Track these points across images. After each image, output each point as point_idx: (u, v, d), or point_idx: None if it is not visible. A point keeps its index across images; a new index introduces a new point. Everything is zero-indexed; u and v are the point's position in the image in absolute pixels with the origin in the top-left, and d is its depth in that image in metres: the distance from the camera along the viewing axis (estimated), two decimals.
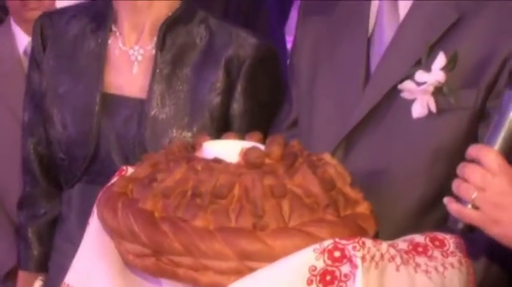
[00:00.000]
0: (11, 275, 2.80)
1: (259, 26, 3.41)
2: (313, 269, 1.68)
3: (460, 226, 1.74)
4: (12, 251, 2.82)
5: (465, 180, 1.68)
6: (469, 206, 1.68)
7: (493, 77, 1.99)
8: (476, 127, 2.01)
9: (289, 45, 3.85)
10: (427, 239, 1.84)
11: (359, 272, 1.68)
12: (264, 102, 2.41)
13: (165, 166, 1.87)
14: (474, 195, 1.67)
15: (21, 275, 2.57)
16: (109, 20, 2.41)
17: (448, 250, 1.83)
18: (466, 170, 1.69)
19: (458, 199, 1.70)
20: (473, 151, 1.70)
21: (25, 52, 3.01)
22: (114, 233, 1.85)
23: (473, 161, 1.69)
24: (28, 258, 2.53)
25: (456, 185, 1.70)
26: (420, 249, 1.81)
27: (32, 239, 2.53)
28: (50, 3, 3.03)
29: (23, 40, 3.08)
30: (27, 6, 3.02)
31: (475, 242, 1.85)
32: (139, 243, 1.78)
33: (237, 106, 2.37)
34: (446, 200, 1.72)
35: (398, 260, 1.75)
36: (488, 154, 1.68)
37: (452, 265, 1.81)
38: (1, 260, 2.93)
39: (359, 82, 2.12)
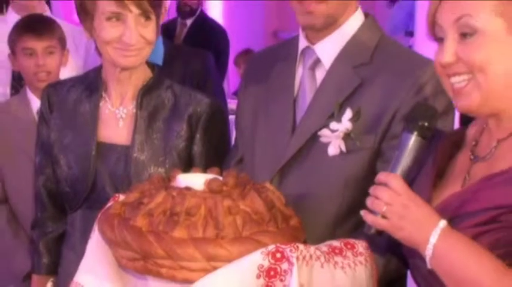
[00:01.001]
0: (28, 277, 2.77)
1: (207, 88, 3.43)
2: (260, 267, 1.70)
3: (373, 231, 1.73)
4: (27, 258, 2.78)
5: (376, 197, 1.68)
6: (380, 216, 1.68)
7: (386, 125, 2.01)
8: (375, 162, 2.03)
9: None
10: (342, 243, 1.84)
11: (295, 269, 1.69)
12: (216, 145, 2.41)
13: (149, 193, 1.87)
14: (384, 209, 1.67)
15: (35, 278, 2.54)
16: (100, 89, 2.40)
17: (357, 251, 1.83)
18: (377, 190, 1.69)
19: (371, 211, 1.70)
20: (382, 176, 1.70)
21: (38, 113, 2.99)
22: (112, 243, 1.85)
23: (382, 184, 1.69)
24: (40, 265, 2.51)
25: (370, 201, 1.69)
26: (337, 251, 1.81)
27: (42, 251, 2.51)
28: (56, 75, 3.04)
29: (35, 103, 3.04)
30: (38, 78, 3.02)
31: (378, 244, 1.87)
32: (131, 250, 1.79)
33: (197, 148, 2.37)
34: (362, 212, 1.71)
35: (322, 259, 1.76)
36: (393, 179, 1.68)
37: (360, 262, 1.83)
38: (20, 266, 2.91)
39: (288, 131, 2.13)
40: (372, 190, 1.71)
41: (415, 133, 1.74)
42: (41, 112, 2.52)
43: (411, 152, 1.74)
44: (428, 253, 1.62)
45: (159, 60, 3.31)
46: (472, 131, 1.84)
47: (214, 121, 2.40)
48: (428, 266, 1.64)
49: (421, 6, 3.49)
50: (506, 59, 1.64)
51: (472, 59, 1.64)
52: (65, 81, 2.57)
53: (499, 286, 1.57)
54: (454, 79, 1.69)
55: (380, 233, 1.73)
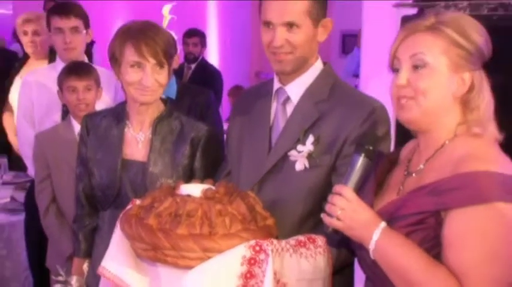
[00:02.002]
0: (70, 258, 2.68)
1: (208, 117, 3.37)
2: (244, 257, 1.66)
3: (330, 230, 1.69)
4: (70, 244, 2.72)
5: (333, 204, 1.65)
6: (335, 219, 1.64)
7: (340, 147, 1.95)
8: (331, 175, 1.97)
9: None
10: (306, 238, 1.79)
11: (270, 259, 1.66)
12: (211, 162, 2.34)
13: (159, 199, 1.82)
14: (338, 212, 1.64)
15: (76, 260, 2.46)
16: (124, 118, 2.34)
17: (317, 244, 1.79)
18: (333, 198, 1.66)
19: (329, 215, 1.66)
20: (337, 188, 1.67)
21: (78, 134, 2.91)
22: (130, 237, 1.80)
23: (337, 193, 1.66)
24: (79, 250, 2.44)
25: (328, 207, 1.66)
26: (302, 244, 1.77)
27: (81, 240, 2.44)
28: (92, 107, 2.99)
29: (77, 127, 2.96)
30: (79, 109, 2.97)
31: (333, 239, 1.82)
32: (145, 243, 1.74)
33: (197, 164, 2.30)
34: (322, 215, 1.68)
35: (291, 251, 1.72)
36: (346, 190, 1.66)
37: (320, 253, 1.79)
38: (64, 249, 2.83)
39: (265, 151, 2.06)
40: (330, 198, 1.67)
41: (363, 155, 1.71)
42: (80, 135, 2.46)
43: (359, 170, 1.71)
44: (371, 247, 1.60)
45: (173, 95, 3.29)
46: (405, 151, 1.82)
47: (210, 144, 2.34)
48: (372, 257, 1.61)
49: (364, 56, 3.45)
50: (443, 88, 1.62)
51: (419, 85, 1.62)
52: (99, 112, 2.52)
53: (424, 273, 1.54)
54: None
55: (336, 231, 1.69)
